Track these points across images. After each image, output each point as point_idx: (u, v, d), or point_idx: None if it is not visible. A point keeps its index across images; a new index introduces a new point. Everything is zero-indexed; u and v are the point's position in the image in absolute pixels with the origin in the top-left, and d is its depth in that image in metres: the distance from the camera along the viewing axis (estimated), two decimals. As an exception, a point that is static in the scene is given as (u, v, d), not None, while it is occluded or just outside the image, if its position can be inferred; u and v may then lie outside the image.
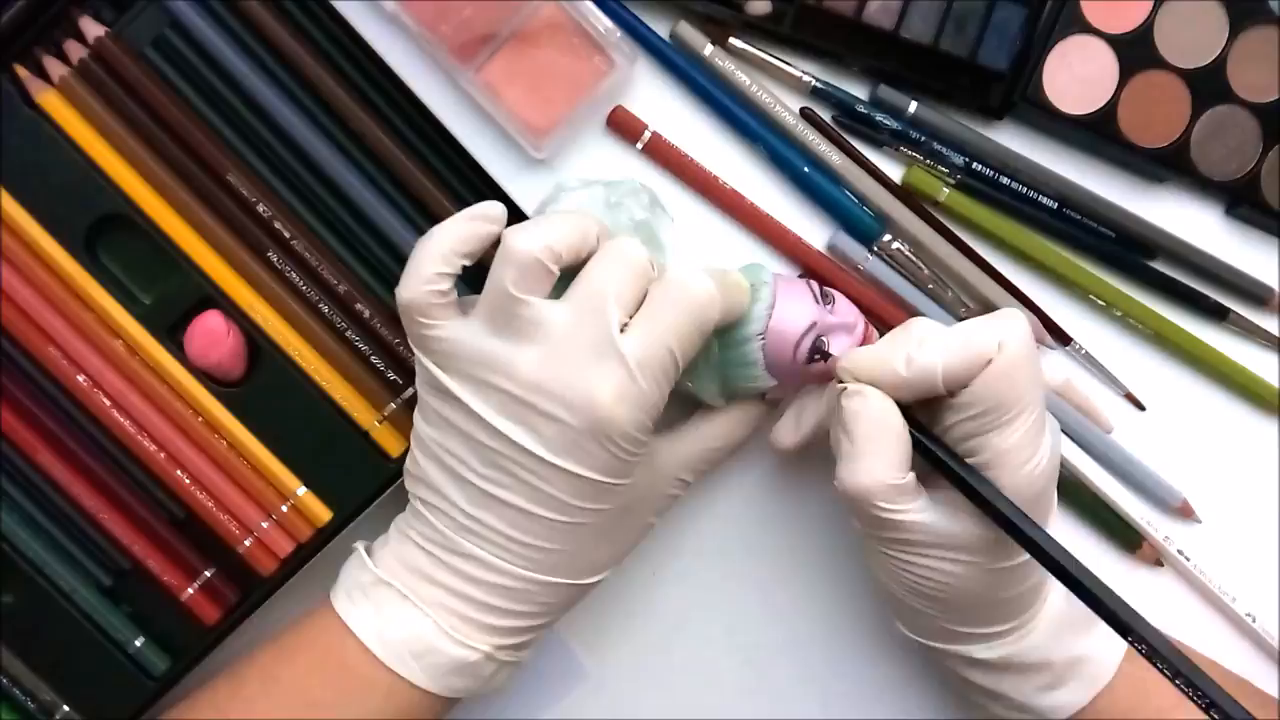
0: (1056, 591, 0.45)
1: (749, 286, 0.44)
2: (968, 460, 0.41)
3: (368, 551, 0.43)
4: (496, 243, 0.40)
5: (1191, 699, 0.36)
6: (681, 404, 0.46)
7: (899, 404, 0.41)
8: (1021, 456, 0.40)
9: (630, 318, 0.39)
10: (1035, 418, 0.40)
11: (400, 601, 0.41)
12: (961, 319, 0.50)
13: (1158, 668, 0.37)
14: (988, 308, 0.50)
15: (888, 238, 0.50)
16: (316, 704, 0.41)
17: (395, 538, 0.43)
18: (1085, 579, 0.39)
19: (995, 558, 0.41)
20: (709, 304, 0.40)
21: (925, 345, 0.40)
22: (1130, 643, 0.38)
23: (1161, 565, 0.52)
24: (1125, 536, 0.52)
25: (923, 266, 0.50)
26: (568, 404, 0.39)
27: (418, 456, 0.43)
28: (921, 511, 0.41)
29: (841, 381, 0.42)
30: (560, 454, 0.39)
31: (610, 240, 0.41)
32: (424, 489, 0.42)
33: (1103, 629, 0.40)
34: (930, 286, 0.51)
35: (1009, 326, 0.40)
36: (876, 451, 0.40)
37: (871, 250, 0.50)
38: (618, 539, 0.44)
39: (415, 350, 0.42)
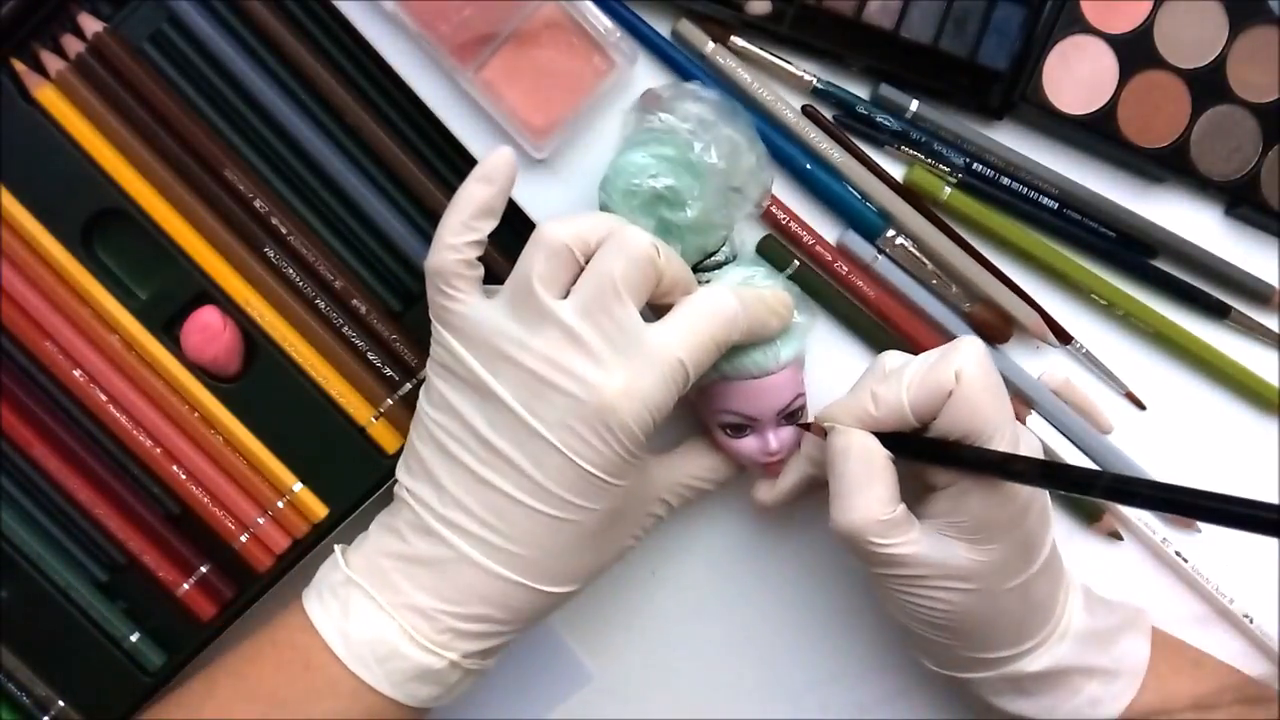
0: (1075, 605, 0.45)
1: (794, 321, 0.46)
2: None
3: (347, 550, 0.43)
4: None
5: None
6: (671, 431, 0.47)
7: (883, 434, 0.42)
8: None
9: (638, 303, 0.40)
10: (1009, 435, 0.41)
11: (367, 602, 0.40)
12: (965, 314, 0.50)
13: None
14: (990, 305, 0.50)
15: (891, 233, 0.50)
16: (284, 703, 0.40)
17: (374, 534, 0.43)
18: (1130, 487, 0.37)
19: (996, 580, 0.42)
20: (731, 323, 0.41)
21: (889, 381, 0.42)
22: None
23: (1120, 539, 0.52)
24: (1086, 509, 0.52)
25: (926, 262, 0.50)
26: (576, 387, 0.39)
27: (414, 441, 0.43)
28: (915, 544, 0.41)
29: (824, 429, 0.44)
30: (560, 438, 0.39)
31: (618, 229, 0.41)
32: (413, 477, 0.42)
33: (1127, 639, 0.43)
34: (934, 283, 0.50)
35: (963, 355, 0.41)
36: (863, 488, 0.41)
37: (876, 246, 0.50)
38: (596, 551, 0.43)
39: (435, 324, 0.42)
